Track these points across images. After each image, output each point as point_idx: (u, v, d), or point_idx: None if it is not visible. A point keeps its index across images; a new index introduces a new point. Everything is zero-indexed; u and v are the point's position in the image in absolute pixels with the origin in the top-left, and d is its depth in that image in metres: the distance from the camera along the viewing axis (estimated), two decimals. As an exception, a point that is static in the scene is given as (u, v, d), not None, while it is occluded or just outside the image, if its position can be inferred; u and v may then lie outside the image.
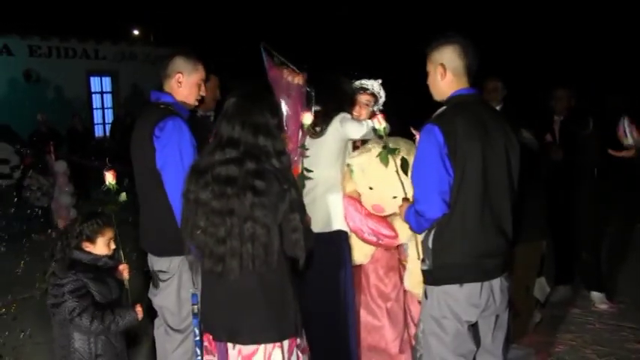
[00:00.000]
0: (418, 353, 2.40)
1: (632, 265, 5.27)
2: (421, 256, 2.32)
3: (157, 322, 2.68)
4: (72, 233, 2.50)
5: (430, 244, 2.22)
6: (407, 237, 2.93)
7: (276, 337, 2.03)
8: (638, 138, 3.87)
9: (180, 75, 2.60)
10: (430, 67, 2.30)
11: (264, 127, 2.03)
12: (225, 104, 2.10)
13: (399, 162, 2.77)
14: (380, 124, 2.78)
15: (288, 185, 1.99)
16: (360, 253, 3.06)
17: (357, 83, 3.12)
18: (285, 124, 2.81)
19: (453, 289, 2.19)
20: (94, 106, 13.82)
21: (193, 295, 2.45)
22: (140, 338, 3.38)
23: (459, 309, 2.19)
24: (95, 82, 13.80)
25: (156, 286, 2.61)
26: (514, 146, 2.25)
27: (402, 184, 2.75)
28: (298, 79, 2.89)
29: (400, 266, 3.14)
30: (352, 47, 14.47)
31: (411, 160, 2.60)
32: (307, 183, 2.89)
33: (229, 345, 2.06)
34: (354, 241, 3.04)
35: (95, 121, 13.73)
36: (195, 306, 2.44)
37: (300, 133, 2.88)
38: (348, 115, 2.94)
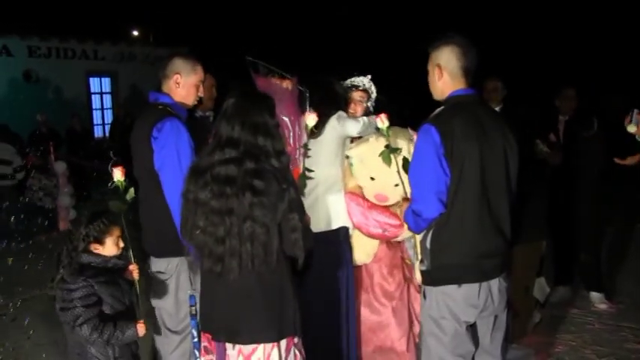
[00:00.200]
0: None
1: (631, 265, 5.27)
2: (419, 257, 2.32)
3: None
4: (77, 236, 2.40)
5: (428, 245, 2.22)
6: None
7: (275, 337, 2.04)
8: None
9: (178, 76, 2.60)
10: (429, 67, 2.31)
11: (264, 127, 2.04)
12: (224, 104, 2.11)
13: (400, 161, 2.79)
14: (383, 123, 2.80)
15: (287, 185, 2.00)
16: (363, 252, 3.07)
17: (348, 81, 3.18)
18: (282, 127, 2.83)
19: (451, 289, 2.19)
20: (94, 107, 13.80)
21: (191, 296, 2.45)
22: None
23: (458, 309, 2.19)
24: (94, 83, 13.78)
25: (153, 287, 2.61)
26: (512, 146, 2.25)
27: (403, 183, 2.77)
28: (287, 84, 2.91)
29: (403, 264, 3.15)
30: (352, 47, 14.48)
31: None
32: (308, 183, 2.91)
33: (228, 345, 2.06)
34: (357, 240, 3.05)
35: (94, 122, 13.71)
36: (193, 307, 2.44)
37: (303, 134, 2.89)
38: (344, 114, 2.98)
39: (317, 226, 2.88)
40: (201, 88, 2.69)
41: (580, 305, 4.34)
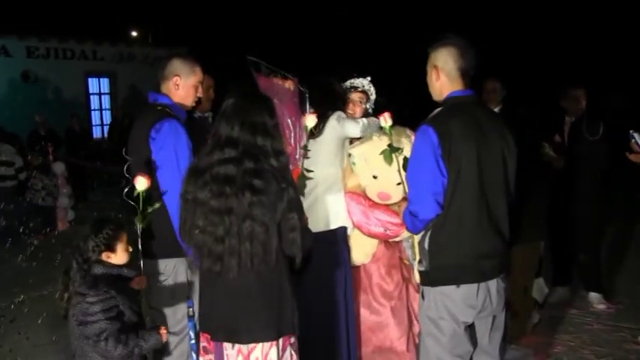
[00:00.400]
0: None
1: (630, 266, 5.28)
2: (418, 257, 2.33)
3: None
4: (86, 247, 2.25)
5: (427, 246, 2.22)
6: None
7: (274, 336, 2.04)
8: None
9: (177, 78, 2.60)
10: (428, 68, 2.32)
11: (263, 127, 2.04)
12: (223, 104, 2.11)
13: (401, 161, 2.79)
14: (386, 122, 2.80)
15: (286, 184, 2.00)
16: (361, 253, 3.07)
17: (348, 83, 3.19)
18: (282, 126, 2.83)
19: (449, 289, 2.19)
20: (92, 108, 13.80)
21: (189, 298, 2.45)
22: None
23: (456, 310, 2.19)
24: (93, 83, 13.77)
25: (151, 288, 2.60)
26: (511, 147, 2.25)
27: (404, 182, 2.77)
28: (289, 84, 2.92)
29: (402, 264, 3.15)
30: (352, 47, 14.49)
31: None
32: (308, 183, 2.91)
33: (227, 345, 2.06)
34: (355, 241, 3.05)
35: (93, 123, 13.71)
36: (191, 308, 2.44)
37: (303, 135, 2.90)
38: (344, 114, 2.98)
39: (316, 226, 2.88)
40: (200, 89, 2.69)
41: (579, 305, 4.34)
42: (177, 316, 2.56)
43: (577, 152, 4.27)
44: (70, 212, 7.63)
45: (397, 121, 2.94)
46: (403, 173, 2.77)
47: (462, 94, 2.25)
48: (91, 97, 13.77)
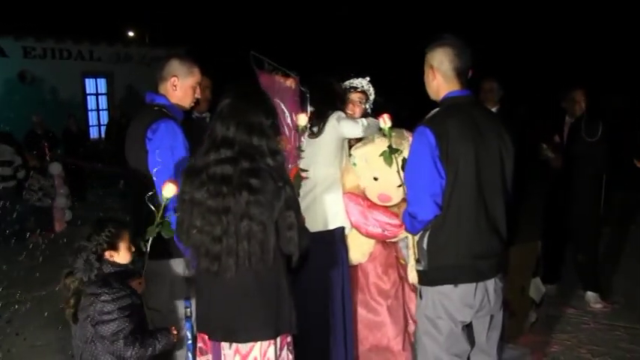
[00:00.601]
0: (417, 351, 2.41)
1: (626, 266, 5.30)
2: (416, 257, 2.33)
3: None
4: (90, 246, 2.20)
5: (425, 246, 2.23)
6: None
7: (272, 334, 2.04)
8: None
9: (175, 78, 2.60)
10: (424, 68, 2.32)
11: (258, 127, 2.04)
12: (219, 105, 2.11)
13: (400, 162, 2.80)
14: (385, 123, 2.81)
15: (283, 183, 2.01)
16: (359, 252, 3.08)
17: (347, 83, 3.19)
18: (282, 125, 2.83)
19: (447, 289, 2.19)
20: (89, 108, 13.77)
21: (186, 299, 2.45)
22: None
23: (454, 309, 2.20)
24: (90, 84, 13.75)
25: (148, 288, 2.60)
26: (508, 147, 2.25)
27: (403, 184, 2.78)
28: (290, 82, 2.92)
29: (398, 264, 3.16)
30: (352, 47, 14.49)
31: None
32: (307, 183, 2.92)
33: (225, 344, 2.06)
34: (353, 240, 3.06)
35: (90, 123, 13.68)
36: (188, 309, 2.43)
37: (296, 135, 2.90)
38: (344, 114, 2.98)
39: (315, 226, 2.88)
40: (198, 90, 2.69)
41: (575, 305, 4.36)
42: (175, 316, 2.56)
43: (575, 153, 4.28)
44: (67, 213, 7.62)
45: (395, 122, 2.95)
46: (402, 174, 2.78)
47: (459, 95, 2.26)
48: (88, 97, 13.74)
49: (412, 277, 2.99)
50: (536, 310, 3.98)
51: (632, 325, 3.99)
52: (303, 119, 2.83)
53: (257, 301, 2.03)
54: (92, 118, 13.84)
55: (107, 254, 2.23)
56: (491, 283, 2.23)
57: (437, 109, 2.28)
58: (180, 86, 2.61)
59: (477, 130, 2.18)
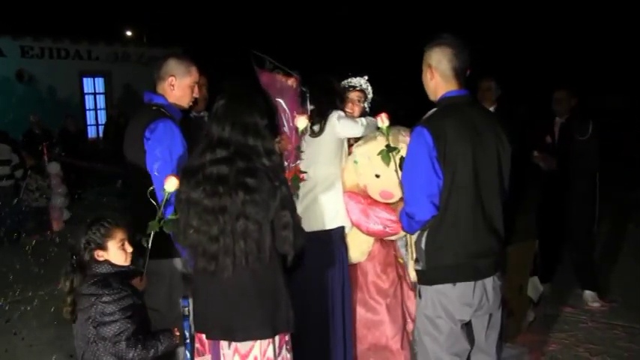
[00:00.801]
0: (415, 350, 2.41)
1: (624, 264, 5.31)
2: (414, 256, 2.33)
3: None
4: (79, 246, 2.17)
5: (423, 246, 2.23)
6: None
7: (269, 333, 2.05)
8: None
9: (172, 78, 2.60)
10: (423, 67, 2.32)
11: (254, 128, 2.05)
12: (214, 105, 2.12)
13: (398, 160, 2.80)
14: (383, 122, 2.81)
15: (279, 183, 2.02)
16: (358, 251, 3.08)
17: (346, 82, 3.21)
18: (284, 123, 2.83)
19: (446, 288, 2.20)
20: (87, 107, 13.75)
21: (184, 297, 2.45)
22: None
23: (453, 308, 2.20)
24: (88, 83, 13.73)
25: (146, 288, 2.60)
26: (505, 147, 2.26)
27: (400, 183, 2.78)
28: (291, 82, 2.92)
29: (397, 263, 3.16)
30: (352, 47, 14.49)
31: None
32: (307, 182, 2.91)
33: (224, 344, 2.07)
34: (352, 239, 3.06)
35: (88, 122, 13.66)
36: (186, 308, 2.43)
37: (296, 135, 2.90)
38: (343, 114, 2.99)
39: (315, 225, 2.89)
40: (196, 89, 2.69)
41: (573, 304, 4.36)
42: (173, 315, 2.55)
43: (567, 152, 4.30)
44: (65, 212, 7.61)
45: (393, 121, 2.95)
46: (400, 173, 2.77)
47: (457, 94, 2.26)
48: (86, 96, 13.72)
49: (413, 276, 3.00)
50: (534, 309, 3.99)
51: (630, 323, 4.00)
52: (302, 122, 2.83)
53: (254, 300, 2.03)
54: (90, 117, 13.82)
55: (96, 254, 2.17)
56: (489, 282, 2.24)
57: (434, 109, 2.28)
58: (178, 85, 2.61)
59: (475, 130, 2.18)
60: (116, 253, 2.21)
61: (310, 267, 2.79)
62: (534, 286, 3.92)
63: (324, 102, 2.97)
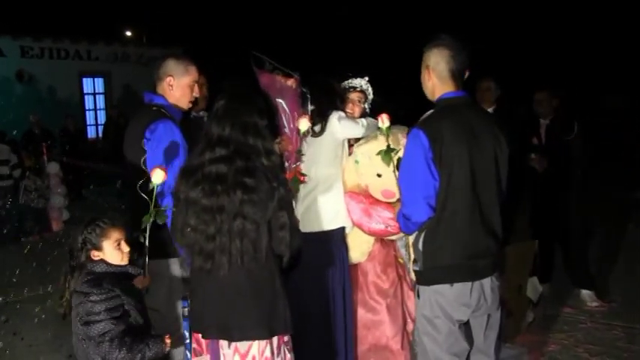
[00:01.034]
0: (415, 350, 2.41)
1: (623, 265, 5.31)
2: (412, 257, 2.34)
3: None
4: (75, 246, 2.18)
5: (421, 247, 2.23)
6: None
7: (266, 334, 2.04)
8: None
9: (171, 78, 2.60)
10: (421, 67, 2.32)
11: (253, 127, 2.05)
12: (214, 105, 2.12)
13: (396, 161, 2.80)
14: (383, 123, 2.81)
15: (277, 183, 2.02)
16: (358, 251, 3.08)
17: (346, 83, 3.21)
18: (285, 124, 2.83)
19: (443, 288, 2.20)
20: (87, 107, 13.77)
21: (184, 299, 2.45)
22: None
23: (450, 308, 2.20)
24: (87, 83, 13.75)
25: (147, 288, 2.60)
26: (503, 148, 2.26)
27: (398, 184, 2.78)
28: (291, 82, 2.92)
29: (397, 263, 3.17)
30: (352, 47, 14.50)
31: None
32: (308, 183, 2.91)
33: (223, 343, 2.07)
34: (353, 239, 3.06)
35: (88, 123, 13.68)
36: (186, 309, 2.43)
37: (296, 138, 2.89)
38: (344, 114, 2.99)
39: (316, 226, 2.89)
40: (196, 89, 2.69)
41: (572, 304, 4.36)
42: (173, 315, 2.56)
43: (555, 152, 4.31)
44: (64, 212, 7.61)
45: (393, 121, 2.96)
46: (397, 174, 2.78)
47: (454, 96, 2.26)
48: (86, 97, 13.74)
49: (413, 275, 3.00)
50: (533, 310, 3.99)
51: (630, 324, 4.00)
52: (304, 124, 2.83)
53: (250, 300, 2.03)
54: (90, 117, 13.84)
55: (92, 253, 2.18)
56: (487, 282, 2.24)
57: (431, 110, 2.28)
58: (177, 85, 2.61)
59: (471, 131, 2.18)
60: (112, 252, 2.21)
61: (311, 267, 2.79)
62: (533, 287, 3.92)
63: (324, 102, 2.97)
